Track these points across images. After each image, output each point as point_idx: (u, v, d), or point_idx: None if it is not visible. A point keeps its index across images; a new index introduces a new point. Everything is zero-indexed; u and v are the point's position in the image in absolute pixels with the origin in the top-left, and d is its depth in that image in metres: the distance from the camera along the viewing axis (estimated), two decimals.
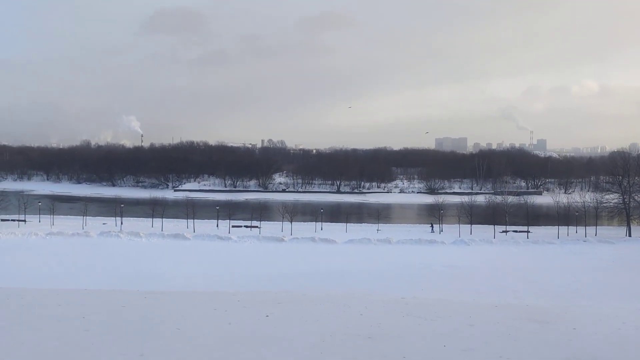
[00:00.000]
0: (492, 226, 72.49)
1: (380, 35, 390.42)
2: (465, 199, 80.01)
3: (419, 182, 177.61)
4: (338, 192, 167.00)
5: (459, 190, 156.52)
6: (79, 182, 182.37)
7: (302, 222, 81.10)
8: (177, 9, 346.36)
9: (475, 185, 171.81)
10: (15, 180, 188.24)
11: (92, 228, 67.50)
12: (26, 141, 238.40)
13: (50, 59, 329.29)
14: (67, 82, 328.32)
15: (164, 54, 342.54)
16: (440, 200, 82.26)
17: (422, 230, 75.22)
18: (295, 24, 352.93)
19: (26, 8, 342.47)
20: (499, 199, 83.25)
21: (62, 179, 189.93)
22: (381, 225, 76.74)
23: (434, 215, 79.42)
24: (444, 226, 74.96)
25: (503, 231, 70.34)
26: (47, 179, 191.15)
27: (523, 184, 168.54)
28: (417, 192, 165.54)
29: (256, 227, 72.50)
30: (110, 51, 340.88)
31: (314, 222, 78.11)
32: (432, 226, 75.53)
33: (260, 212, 76.85)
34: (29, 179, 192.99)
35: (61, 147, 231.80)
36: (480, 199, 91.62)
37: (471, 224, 72.13)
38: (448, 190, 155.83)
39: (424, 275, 41.57)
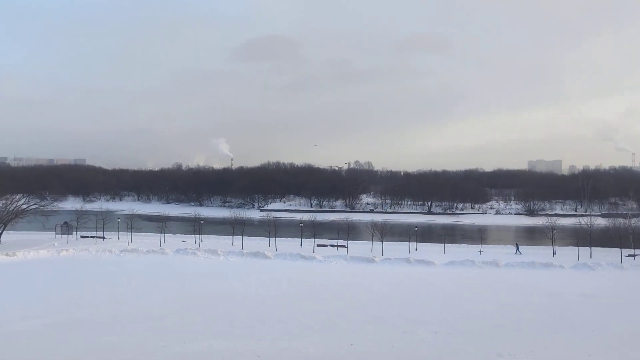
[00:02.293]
0: (613, 249, 62.86)
1: (471, 57, 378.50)
2: (581, 220, 70.89)
3: (515, 203, 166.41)
4: (429, 212, 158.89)
5: (561, 212, 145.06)
6: (168, 203, 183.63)
7: (393, 242, 74.14)
8: (269, 36, 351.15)
9: (579, 206, 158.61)
10: (108, 200, 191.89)
11: (170, 246, 63.50)
12: (122, 164, 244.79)
13: (147, 86, 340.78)
14: (162, 108, 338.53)
15: (256, 80, 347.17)
16: (554, 221, 72.84)
17: (529, 252, 66.38)
18: (385, 47, 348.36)
19: (124, 39, 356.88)
20: (616, 221, 73.05)
21: (152, 199, 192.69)
22: (482, 247, 68.63)
23: (535, 237, 70.65)
24: (557, 249, 65.78)
25: (630, 255, 60.50)
26: (138, 200, 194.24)
27: (635, 205, 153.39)
28: (515, 214, 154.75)
29: (343, 246, 66.30)
30: (203, 78, 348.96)
31: (407, 243, 71.01)
32: (517, 247, 67.07)
33: (347, 231, 70.78)
34: (120, 199, 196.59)
35: (151, 169, 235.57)
36: (588, 220, 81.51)
37: (591, 246, 62.64)
38: (549, 212, 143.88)
39: (562, 307, 33.53)
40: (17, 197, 77.57)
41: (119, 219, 79.75)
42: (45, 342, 22.71)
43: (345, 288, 40.90)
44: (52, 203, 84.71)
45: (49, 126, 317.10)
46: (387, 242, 68.99)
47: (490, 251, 66.68)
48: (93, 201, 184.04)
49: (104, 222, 74.18)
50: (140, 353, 20.16)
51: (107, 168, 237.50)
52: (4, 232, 70.91)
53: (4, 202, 72.27)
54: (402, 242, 73.70)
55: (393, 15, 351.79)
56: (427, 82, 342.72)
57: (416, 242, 70.59)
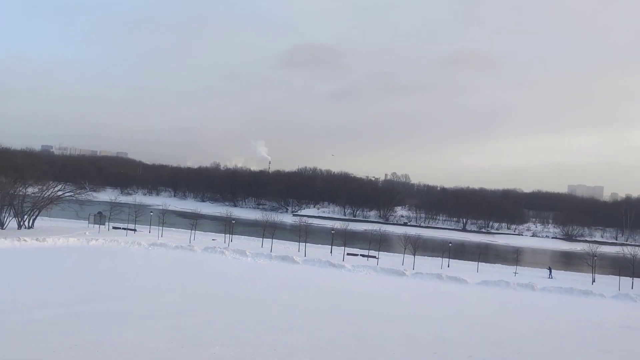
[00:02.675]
0: None
1: (517, 76, 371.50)
2: (624, 249, 68.07)
3: (553, 227, 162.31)
4: (463, 230, 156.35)
5: (601, 239, 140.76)
6: (203, 201, 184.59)
7: (425, 257, 72.35)
8: (314, 44, 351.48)
9: (620, 235, 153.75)
10: (145, 194, 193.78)
11: (199, 243, 62.98)
12: (162, 160, 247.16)
13: (191, 87, 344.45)
14: (205, 108, 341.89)
15: (298, 86, 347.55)
16: (594, 248, 69.93)
17: (566, 278, 63.86)
18: (431, 62, 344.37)
19: (173, 41, 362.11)
20: None
21: (188, 196, 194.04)
22: (517, 268, 66.40)
23: (572, 262, 68.04)
24: (596, 276, 63.04)
25: None
26: (174, 196, 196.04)
27: None
28: (552, 237, 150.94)
29: (374, 257, 64.78)
30: (247, 82, 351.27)
31: (439, 258, 69.17)
32: (549, 270, 64.66)
33: (379, 242, 69.28)
34: (157, 194, 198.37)
35: (190, 166, 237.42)
36: (631, 250, 78.19)
37: (633, 276, 59.78)
38: (588, 238, 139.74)
39: (605, 338, 31.46)
40: (54, 184, 78.13)
41: (151, 212, 79.77)
42: (58, 332, 21.86)
43: (373, 300, 39.48)
44: (87, 192, 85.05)
45: (96, 120, 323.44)
46: (419, 256, 67.33)
47: (525, 273, 64.51)
48: (130, 194, 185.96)
49: (136, 215, 74.10)
50: (150, 354, 19.12)
51: (147, 163, 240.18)
52: (39, 217, 71.61)
53: (40, 187, 72.88)
54: (434, 257, 71.97)
55: (440, 30, 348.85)
56: (470, 99, 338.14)
57: (449, 258, 68.63)
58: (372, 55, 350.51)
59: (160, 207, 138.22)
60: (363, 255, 65.93)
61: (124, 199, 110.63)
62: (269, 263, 54.30)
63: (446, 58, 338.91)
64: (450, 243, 74.93)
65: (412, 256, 64.26)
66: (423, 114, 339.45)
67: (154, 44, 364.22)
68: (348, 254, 64.66)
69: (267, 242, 69.10)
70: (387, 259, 66.05)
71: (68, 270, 40.73)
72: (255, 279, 44.37)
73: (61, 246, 53.68)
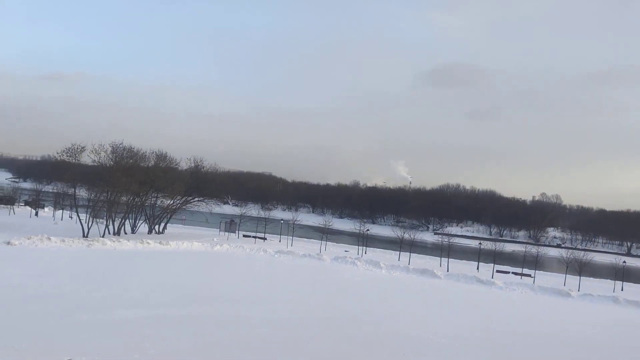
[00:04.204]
0: None
1: None
2: None
3: None
4: (628, 254, 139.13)
5: None
6: (341, 217, 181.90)
7: (590, 279, 61.90)
8: (455, 63, 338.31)
9: None
10: (284, 210, 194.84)
11: (329, 253, 57.72)
12: (302, 177, 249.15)
13: (330, 107, 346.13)
14: (346, 128, 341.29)
15: (439, 106, 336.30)
16: None
17: None
18: (580, 79, 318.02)
19: (313, 63, 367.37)
20: None
21: (326, 212, 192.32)
22: None
23: None
24: None
25: None
26: (312, 212, 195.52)
27: None
28: None
29: (528, 275, 55.82)
30: (385, 102, 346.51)
31: (609, 280, 58.71)
32: None
33: (535, 261, 60.36)
34: (296, 210, 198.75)
35: (328, 183, 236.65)
36: None
37: None
38: None
39: None
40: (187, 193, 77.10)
41: (282, 220, 76.71)
42: (125, 334, 17.26)
43: (532, 323, 31.56)
44: (215, 202, 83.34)
45: (242, 140, 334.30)
46: (584, 278, 57.32)
47: None
48: (270, 209, 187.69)
49: (266, 224, 71.44)
50: None
51: (287, 180, 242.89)
52: (174, 225, 70.90)
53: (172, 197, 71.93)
54: (602, 280, 61.35)
55: (587, 46, 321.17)
56: (625, 116, 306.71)
57: (622, 281, 57.74)
58: (516, 73, 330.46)
59: (298, 223, 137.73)
60: (515, 273, 57.21)
61: (263, 214, 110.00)
62: (405, 276, 47.58)
63: (594, 75, 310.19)
64: (625, 261, 63.84)
65: (576, 277, 54.58)
66: (571, 132, 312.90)
67: (296, 66, 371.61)
68: (498, 271, 56.25)
69: (405, 255, 62.58)
70: (544, 278, 56.74)
71: (176, 273, 36.94)
72: (389, 292, 37.96)
73: (183, 250, 50.82)
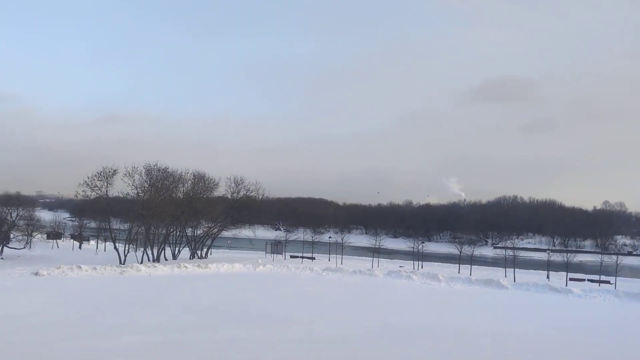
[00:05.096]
0: None
1: None
2: None
3: None
4: None
5: None
6: (395, 237, 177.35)
7: None
8: (505, 77, 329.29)
9: None
10: (336, 232, 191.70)
11: (382, 270, 53.11)
12: (354, 200, 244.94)
13: (381, 128, 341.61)
14: (395, 148, 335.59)
15: (490, 121, 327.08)
16: None
17: None
18: (632, 86, 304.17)
19: (358, 87, 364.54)
20: None
21: (379, 233, 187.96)
22: None
23: None
24: None
25: None
26: (365, 233, 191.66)
27: None
28: None
29: (607, 282, 49.83)
30: (436, 120, 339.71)
31: None
32: None
33: (615, 269, 54.40)
34: (349, 232, 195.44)
35: (380, 204, 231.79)
36: None
37: None
38: None
39: None
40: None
41: (330, 237, 72.89)
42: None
43: (621, 333, 26.36)
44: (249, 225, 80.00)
45: (293, 168, 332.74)
46: None
47: None
48: (322, 233, 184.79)
49: (313, 245, 67.70)
50: None
51: (338, 203, 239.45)
52: (219, 250, 68.09)
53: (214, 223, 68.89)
54: None
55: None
56: None
57: None
58: (568, 83, 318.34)
59: (352, 245, 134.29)
60: (592, 281, 51.26)
61: (316, 238, 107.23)
62: (468, 288, 42.47)
63: None
64: None
65: None
66: (633, 139, 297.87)
67: (344, 91, 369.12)
68: (571, 279, 50.45)
69: (465, 268, 57.48)
70: (625, 284, 50.53)
71: (209, 295, 33.32)
72: (450, 306, 33.20)
73: (223, 273, 47.19)
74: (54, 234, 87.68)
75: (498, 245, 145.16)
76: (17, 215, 66.33)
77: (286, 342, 18.86)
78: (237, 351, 16.71)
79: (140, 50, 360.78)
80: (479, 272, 56.44)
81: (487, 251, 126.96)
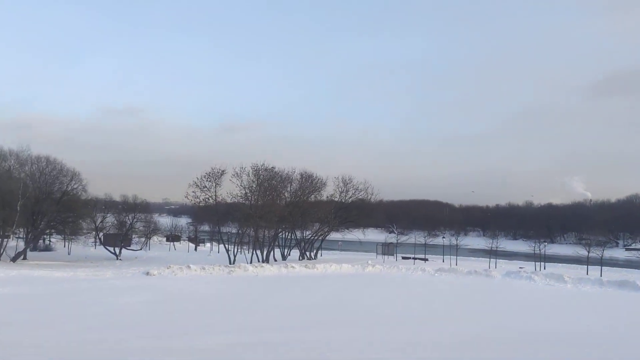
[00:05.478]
0: None
1: None
2: None
3: None
4: None
5: None
6: (515, 239, 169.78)
7: None
8: (632, 70, 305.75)
9: None
10: (452, 235, 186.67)
11: (500, 270, 49.40)
12: (471, 202, 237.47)
13: (497, 128, 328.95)
14: (513, 147, 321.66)
15: (618, 115, 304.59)
16: None
17: None
18: None
19: (471, 87, 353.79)
20: None
21: (498, 235, 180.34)
22: None
23: None
24: None
25: None
26: (483, 235, 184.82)
27: None
28: None
29: None
30: (557, 117, 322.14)
31: None
32: None
33: None
34: (465, 234, 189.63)
35: (497, 205, 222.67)
36: None
37: None
38: None
39: None
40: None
41: (443, 237, 69.83)
42: None
43: None
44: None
45: (408, 173, 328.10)
46: None
47: None
48: (437, 235, 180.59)
49: (425, 246, 64.96)
50: None
51: (454, 205, 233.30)
52: (331, 251, 67.32)
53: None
54: None
55: None
56: None
57: None
58: None
59: (469, 247, 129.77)
60: None
61: (430, 240, 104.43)
62: (599, 291, 38.03)
63: None
64: None
65: None
66: None
67: (458, 92, 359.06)
68: None
69: (594, 269, 52.45)
70: None
71: (309, 295, 31.85)
72: (580, 310, 29.47)
73: (330, 273, 45.65)
74: (172, 237, 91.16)
75: (631, 247, 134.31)
76: (133, 218, 68.93)
77: (390, 343, 16.81)
78: (330, 351, 14.91)
79: (257, 60, 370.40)
80: (611, 274, 51.20)
81: (619, 253, 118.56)
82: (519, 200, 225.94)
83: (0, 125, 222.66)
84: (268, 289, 34.57)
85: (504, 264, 60.20)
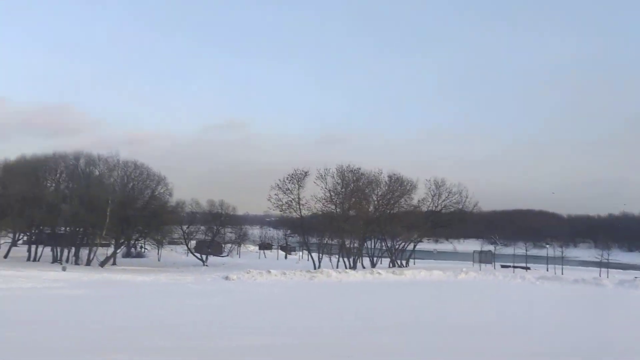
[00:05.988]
0: None
1: None
2: None
3: None
4: None
5: None
6: (630, 250, 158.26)
7: None
8: None
9: None
10: (560, 246, 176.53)
11: (612, 279, 44.01)
12: (581, 211, 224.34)
13: (611, 134, 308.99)
14: (629, 155, 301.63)
15: None
16: None
17: None
18: None
19: (572, 93, 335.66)
20: None
21: (611, 246, 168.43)
22: None
23: None
24: None
25: None
26: (594, 247, 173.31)
27: None
28: None
29: None
30: None
31: None
32: None
33: None
34: (574, 246, 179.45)
35: (609, 214, 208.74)
36: None
37: None
38: None
39: None
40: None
41: (547, 245, 64.80)
42: None
43: None
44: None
45: (509, 180, 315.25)
46: None
47: None
48: (542, 247, 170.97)
49: (527, 254, 60.27)
50: None
51: (561, 214, 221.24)
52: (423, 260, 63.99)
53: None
54: None
55: None
56: None
57: None
58: None
59: (575, 258, 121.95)
60: None
61: (535, 251, 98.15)
62: None
63: None
64: None
65: None
66: None
67: (561, 98, 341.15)
68: None
69: None
70: None
71: (380, 301, 29.14)
72: None
73: (419, 280, 42.41)
74: (264, 245, 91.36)
75: None
76: (220, 226, 68.69)
77: (460, 353, 13.81)
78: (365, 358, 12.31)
79: (351, 72, 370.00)
80: None
81: None
82: (635, 209, 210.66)
83: (114, 140, 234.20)
84: (343, 294, 32.18)
85: (616, 274, 54.20)
